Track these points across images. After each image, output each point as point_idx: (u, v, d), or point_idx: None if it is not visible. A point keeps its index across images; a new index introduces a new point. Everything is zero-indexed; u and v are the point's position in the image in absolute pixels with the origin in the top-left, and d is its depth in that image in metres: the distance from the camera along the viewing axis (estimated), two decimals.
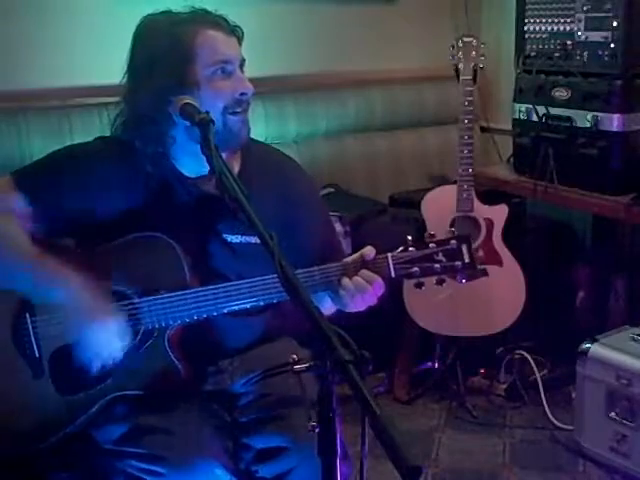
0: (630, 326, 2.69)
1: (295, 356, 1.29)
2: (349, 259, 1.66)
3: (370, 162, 3.43)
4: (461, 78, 2.88)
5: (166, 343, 1.64)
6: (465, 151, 2.86)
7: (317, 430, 1.18)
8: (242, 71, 1.70)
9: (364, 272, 1.63)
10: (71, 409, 1.64)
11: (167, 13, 1.69)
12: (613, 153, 2.70)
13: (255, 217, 1.29)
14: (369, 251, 1.65)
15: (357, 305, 1.65)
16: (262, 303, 1.63)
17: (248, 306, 1.63)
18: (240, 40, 1.71)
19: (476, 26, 3.61)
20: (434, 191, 2.98)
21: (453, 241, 1.65)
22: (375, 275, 1.62)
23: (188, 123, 1.56)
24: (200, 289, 1.62)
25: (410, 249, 1.65)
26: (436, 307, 2.84)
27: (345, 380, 1.09)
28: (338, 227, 2.89)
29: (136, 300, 1.63)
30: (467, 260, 1.65)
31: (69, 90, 2.82)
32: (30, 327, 1.63)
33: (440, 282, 1.67)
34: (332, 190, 3.17)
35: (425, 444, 2.74)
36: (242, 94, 1.66)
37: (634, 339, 2.56)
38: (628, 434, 2.48)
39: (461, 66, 2.88)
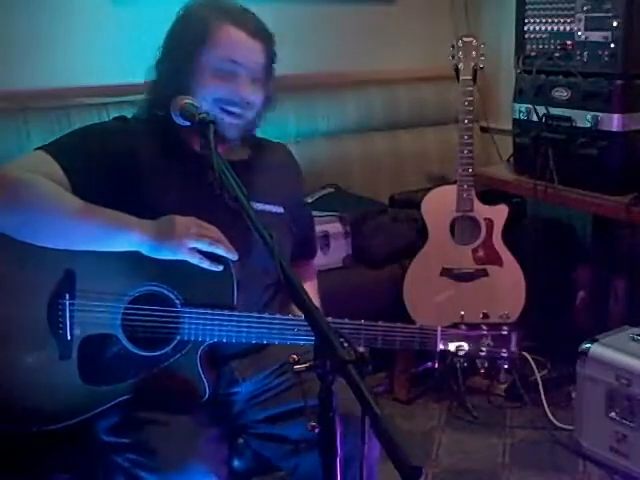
0: (630, 326, 2.68)
1: (295, 356, 1.28)
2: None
3: (370, 162, 3.43)
4: (461, 78, 2.88)
5: (197, 358, 1.64)
6: (465, 151, 2.86)
7: (317, 430, 1.18)
8: (255, 81, 1.78)
9: None
10: (89, 398, 1.62)
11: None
12: (613, 153, 2.69)
13: (255, 216, 1.29)
14: None
15: None
16: (302, 343, 1.62)
17: (288, 342, 1.64)
18: (266, 44, 1.81)
19: (476, 26, 3.61)
20: (434, 191, 2.98)
21: (505, 327, 1.65)
22: None
23: (188, 123, 1.57)
24: (247, 315, 1.63)
25: (462, 327, 1.67)
26: (436, 307, 2.84)
27: (345, 380, 1.08)
28: (338, 227, 2.89)
29: (179, 308, 1.63)
30: (513, 349, 1.64)
31: (69, 90, 2.81)
32: (67, 309, 1.61)
33: None
34: (332, 190, 3.16)
35: (425, 444, 2.74)
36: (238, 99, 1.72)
37: (634, 339, 2.56)
38: (628, 434, 2.47)
39: (461, 66, 2.88)
